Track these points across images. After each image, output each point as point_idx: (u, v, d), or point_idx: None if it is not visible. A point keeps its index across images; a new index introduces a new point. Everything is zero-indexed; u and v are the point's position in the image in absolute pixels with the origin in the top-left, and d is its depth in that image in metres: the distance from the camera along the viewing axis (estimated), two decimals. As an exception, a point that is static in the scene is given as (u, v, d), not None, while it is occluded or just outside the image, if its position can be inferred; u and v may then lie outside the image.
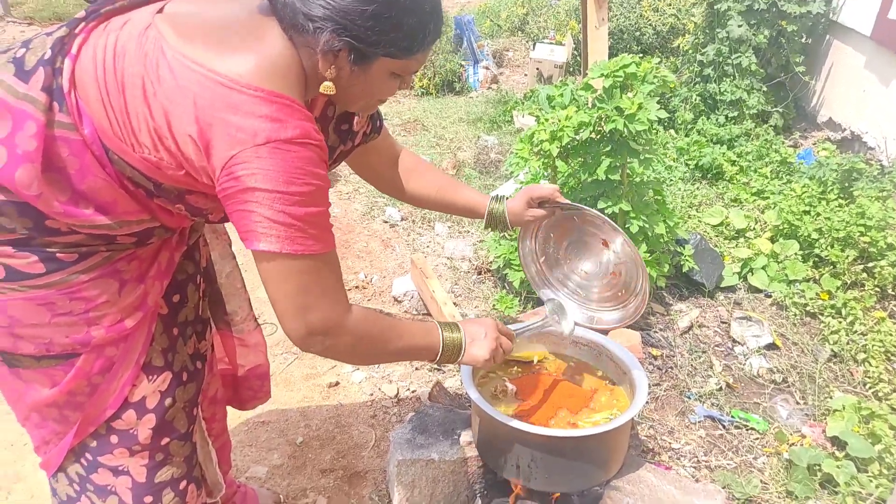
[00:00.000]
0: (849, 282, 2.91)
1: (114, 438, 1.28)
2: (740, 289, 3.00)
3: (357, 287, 2.97)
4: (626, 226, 2.50)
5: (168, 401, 1.30)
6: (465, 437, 1.87)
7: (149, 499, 1.33)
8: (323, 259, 1.12)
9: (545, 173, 2.69)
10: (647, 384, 1.70)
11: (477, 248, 3.23)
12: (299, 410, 2.29)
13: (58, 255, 1.12)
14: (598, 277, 1.84)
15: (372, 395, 2.39)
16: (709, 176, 3.89)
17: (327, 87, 1.12)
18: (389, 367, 2.53)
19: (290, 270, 1.09)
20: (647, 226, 2.51)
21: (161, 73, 1.03)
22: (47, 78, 1.05)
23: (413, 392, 2.40)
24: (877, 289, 2.85)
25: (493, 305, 2.68)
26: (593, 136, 2.50)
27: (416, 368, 2.52)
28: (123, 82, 1.05)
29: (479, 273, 3.06)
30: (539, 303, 2.70)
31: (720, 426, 2.28)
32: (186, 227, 1.33)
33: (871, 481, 1.98)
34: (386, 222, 3.51)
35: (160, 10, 1.13)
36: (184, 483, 1.38)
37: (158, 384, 1.28)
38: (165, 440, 1.32)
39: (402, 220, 3.55)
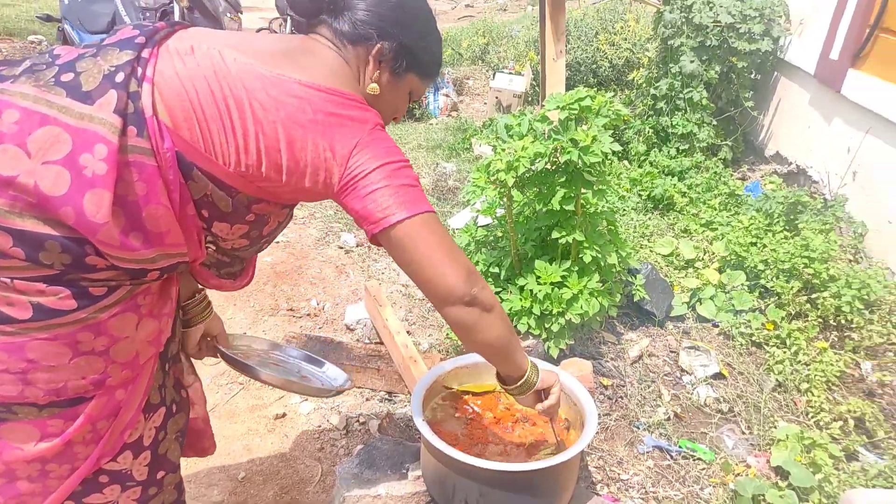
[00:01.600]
0: (793, 312, 2.99)
1: (104, 478, 1.24)
2: (689, 318, 3.05)
3: (309, 315, 2.93)
4: (580, 255, 2.53)
5: (161, 434, 1.29)
6: (415, 470, 1.84)
7: None
8: (437, 216, 1.26)
9: (501, 202, 2.71)
10: (595, 417, 1.70)
11: (432, 276, 3.22)
12: (243, 444, 2.23)
13: (90, 289, 1.10)
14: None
15: (319, 426, 2.34)
16: (660, 206, 3.98)
17: (374, 88, 1.28)
18: (338, 399, 2.48)
19: (430, 226, 1.21)
20: (599, 256, 2.54)
21: (270, 93, 1.12)
22: (121, 101, 1.05)
23: (362, 424, 2.36)
24: (819, 319, 2.93)
25: (447, 334, 2.67)
26: (549, 166, 2.53)
27: (367, 399, 2.48)
28: (226, 104, 1.11)
29: (434, 301, 3.05)
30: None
31: (668, 456, 2.29)
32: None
33: (812, 511, 2.01)
34: (341, 248, 3.48)
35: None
36: None
37: (154, 420, 1.28)
38: (161, 474, 1.32)
39: (358, 245, 3.52)
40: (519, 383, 1.49)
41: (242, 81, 1.12)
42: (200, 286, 1.51)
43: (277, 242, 3.46)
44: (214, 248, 1.28)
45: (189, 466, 2.11)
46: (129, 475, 1.27)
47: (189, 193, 1.13)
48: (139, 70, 1.08)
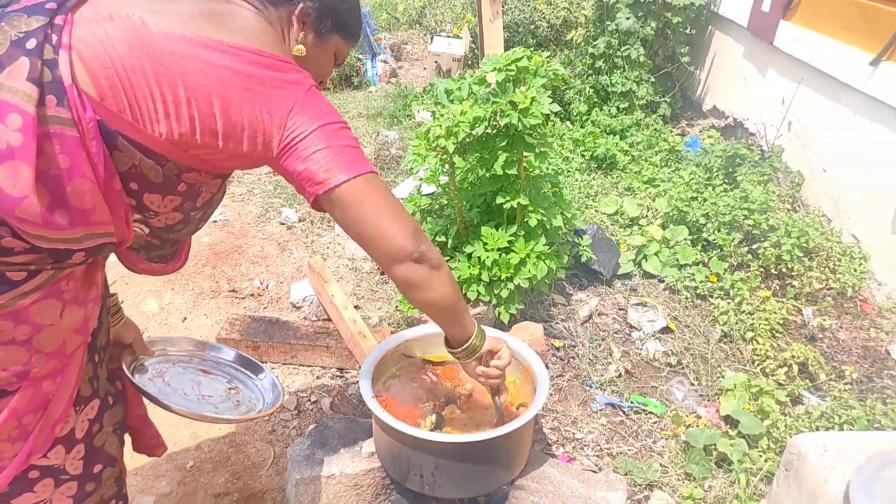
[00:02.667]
0: (735, 263, 3.05)
1: (34, 474, 1.18)
2: (636, 275, 3.08)
3: (252, 295, 2.83)
4: (526, 220, 2.50)
5: (96, 426, 1.24)
6: (368, 447, 1.80)
7: None
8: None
9: (443, 169, 2.65)
10: (547, 382, 1.69)
11: (378, 247, 3.15)
12: (189, 431, 2.15)
13: (7, 274, 1.05)
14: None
15: (270, 408, 2.28)
16: (603, 166, 3.99)
17: (300, 50, 1.26)
18: (289, 378, 2.41)
19: (373, 186, 1.20)
20: (545, 219, 2.52)
21: (199, 56, 1.07)
22: (35, 69, 0.97)
23: (314, 403, 2.30)
24: (761, 269, 3.00)
25: (396, 307, 2.62)
26: (489, 131, 2.47)
27: (317, 377, 2.42)
28: (153, 70, 1.05)
29: (382, 273, 2.99)
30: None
31: (620, 412, 2.32)
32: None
33: (760, 456, 2.06)
34: (283, 224, 3.37)
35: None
36: (113, 502, 1.34)
37: (87, 413, 1.22)
38: (98, 467, 1.27)
39: (300, 220, 3.42)
40: (464, 346, 1.46)
41: (168, 46, 1.06)
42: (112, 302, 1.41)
43: (215, 221, 3.33)
44: (145, 228, 1.21)
45: (134, 458, 2.01)
46: (63, 470, 1.21)
47: (115, 166, 1.07)
48: (53, 37, 1.00)
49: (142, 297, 2.77)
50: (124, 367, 1.39)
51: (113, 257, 1.26)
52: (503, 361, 1.54)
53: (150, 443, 1.58)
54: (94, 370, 1.24)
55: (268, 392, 1.60)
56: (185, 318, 2.69)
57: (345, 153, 1.17)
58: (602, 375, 2.47)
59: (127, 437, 1.50)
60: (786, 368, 2.48)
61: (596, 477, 1.76)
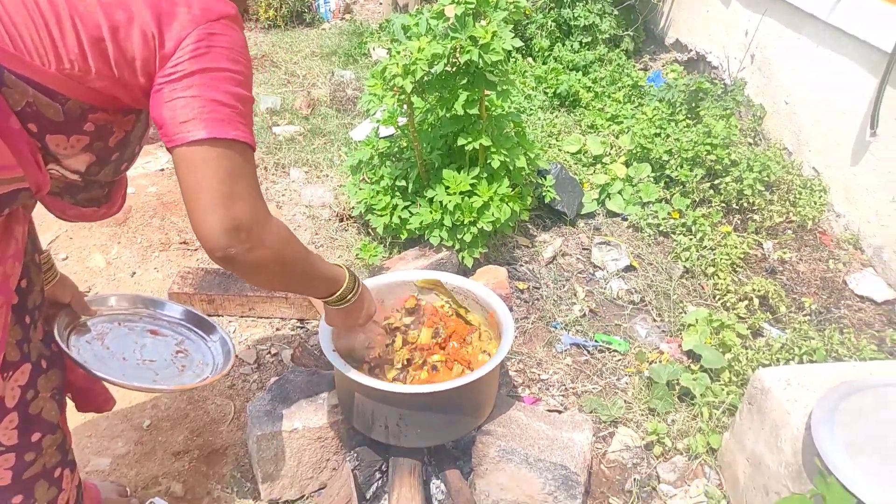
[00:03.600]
0: (697, 200, 3.04)
1: None
2: (599, 214, 3.06)
3: (206, 246, 2.71)
4: (488, 161, 2.42)
5: (30, 393, 1.16)
6: (331, 400, 1.76)
7: (18, 498, 1.20)
8: (250, 153, 1.08)
9: (402, 110, 2.54)
10: (512, 329, 1.65)
11: (337, 194, 3.05)
12: (145, 390, 2.07)
13: None
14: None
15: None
16: (566, 103, 3.90)
17: None
18: (248, 331, 2.34)
19: (222, 157, 1.03)
20: (508, 160, 2.44)
21: None
22: None
23: (274, 355, 2.24)
24: (723, 204, 3.00)
25: (357, 255, 2.54)
26: (449, 68, 2.36)
27: (277, 329, 2.35)
28: None
29: (341, 220, 2.90)
30: (404, 249, 2.60)
31: (585, 352, 2.32)
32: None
33: (722, 389, 2.09)
34: (236, 171, 3.22)
35: None
36: (58, 470, 1.27)
37: (17, 379, 1.14)
38: (37, 436, 1.19)
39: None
40: (333, 299, 1.38)
41: None
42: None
43: (162, 170, 3.16)
44: (62, 171, 1.10)
45: (86, 418, 1.95)
46: None
47: (7, 104, 0.96)
48: None
49: (87, 252, 2.63)
50: (55, 330, 1.29)
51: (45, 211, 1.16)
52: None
53: (96, 400, 1.51)
54: (23, 333, 1.15)
55: (219, 355, 1.51)
56: (134, 273, 2.57)
57: (210, 108, 1.01)
58: (566, 316, 2.46)
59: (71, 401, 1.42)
60: (746, 302, 2.50)
61: (562, 418, 1.76)
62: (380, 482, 1.77)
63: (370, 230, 2.73)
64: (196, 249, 2.71)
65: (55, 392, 1.23)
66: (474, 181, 2.44)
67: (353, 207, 2.80)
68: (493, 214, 2.42)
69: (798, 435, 1.52)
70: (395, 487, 1.61)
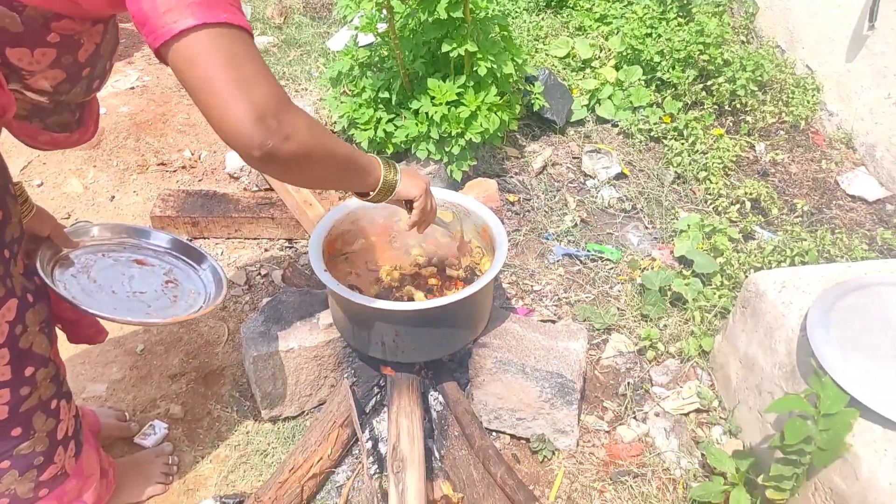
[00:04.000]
0: (689, 102, 2.96)
1: None
2: (589, 121, 2.98)
3: (184, 167, 2.62)
4: (474, 68, 2.32)
5: (19, 328, 1.13)
6: (325, 319, 1.74)
7: (17, 431, 1.19)
8: (249, 38, 0.95)
9: (381, 15, 2.39)
10: (505, 243, 1.62)
11: (318, 108, 2.93)
12: (136, 316, 2.05)
13: None
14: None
15: (219, 285, 2.18)
16: (553, 4, 3.72)
17: None
18: (235, 253, 2.30)
19: (220, 43, 0.90)
20: (495, 66, 2.33)
21: None
22: None
23: (265, 276, 2.21)
24: (715, 106, 2.93)
25: (341, 170, 2.46)
26: (428, -34, 2.21)
27: (265, 250, 2.31)
28: None
29: (323, 135, 2.80)
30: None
31: (577, 262, 2.31)
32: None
33: (714, 293, 2.10)
34: (210, 87, 3.08)
35: None
36: (55, 402, 1.25)
37: (4, 315, 1.10)
38: (30, 370, 1.17)
39: (229, 82, 3.13)
40: (374, 194, 1.29)
41: None
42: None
43: (133, 88, 3.01)
44: (29, 93, 1.02)
45: (78, 347, 1.93)
46: None
47: None
48: None
49: (63, 177, 2.54)
50: (38, 266, 1.24)
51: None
52: (418, 212, 1.39)
53: (88, 332, 1.48)
54: (3, 268, 1.10)
55: (210, 284, 1.46)
56: (114, 197, 2.49)
57: None
58: (558, 227, 2.43)
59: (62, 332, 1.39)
60: (738, 205, 2.48)
61: (557, 328, 1.76)
62: (378, 396, 1.79)
63: (354, 144, 2.65)
64: (175, 171, 2.62)
65: (43, 325, 1.20)
66: (461, 90, 2.35)
67: (335, 122, 2.70)
68: (481, 125, 2.34)
69: (793, 336, 1.53)
70: (395, 401, 1.63)
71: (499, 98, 2.40)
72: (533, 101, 2.76)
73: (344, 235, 1.75)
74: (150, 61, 3.25)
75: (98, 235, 1.47)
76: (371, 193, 1.29)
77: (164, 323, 1.48)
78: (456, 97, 2.33)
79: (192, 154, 2.69)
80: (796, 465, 1.37)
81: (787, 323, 1.56)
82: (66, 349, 1.89)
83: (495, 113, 2.38)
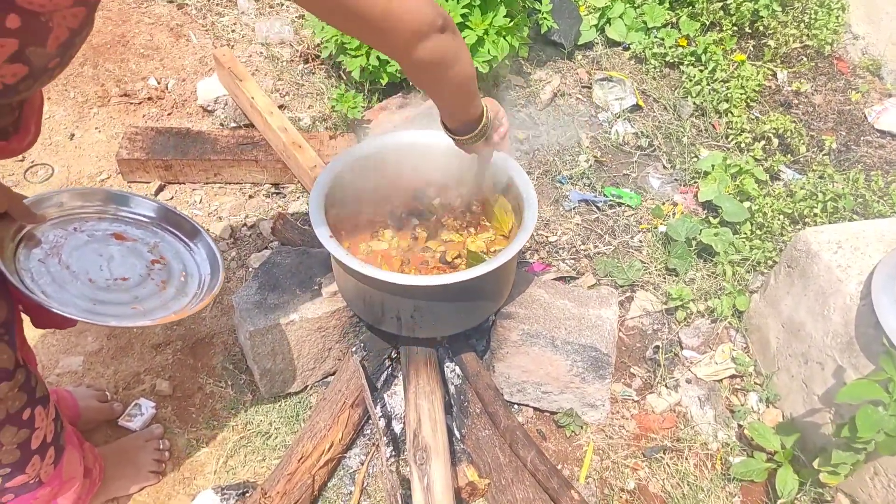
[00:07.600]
0: (707, 23, 2.70)
1: None
2: (598, 44, 2.71)
3: (150, 98, 2.31)
4: (479, -15, 2.03)
5: None
6: (329, 286, 1.55)
7: None
8: None
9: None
10: (535, 200, 1.42)
11: (297, 28, 2.61)
12: (109, 279, 1.82)
13: None
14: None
15: (201, 240, 1.95)
16: None
17: None
18: (216, 200, 2.06)
19: None
20: (503, -18, 2.05)
21: None
22: None
23: (251, 228, 1.98)
24: (734, 28, 2.68)
25: (333, 106, 2.19)
26: None
27: (250, 197, 2.07)
28: None
29: (307, 61, 2.49)
30: (385, 96, 2.26)
31: (595, 208, 2.13)
32: None
33: (745, 244, 1.95)
34: (171, 2, 2.71)
35: None
36: (27, 411, 1.09)
37: None
38: None
39: (193, -4, 2.75)
40: (480, 126, 1.20)
41: None
42: None
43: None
44: None
45: (46, 318, 1.71)
46: None
47: None
48: None
49: (9, 113, 2.22)
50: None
51: None
52: (505, 126, 1.28)
53: (56, 318, 1.26)
54: None
55: (204, 263, 1.23)
56: (73, 136, 2.19)
57: None
58: (572, 169, 2.22)
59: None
60: (763, 142, 2.30)
61: (587, 294, 1.60)
62: (390, 370, 1.63)
63: (343, 74, 2.36)
64: (139, 103, 2.31)
65: (2, 332, 0.98)
66: (466, 10, 2.07)
67: (319, 45, 2.39)
68: (489, 52, 2.08)
69: (851, 305, 1.39)
70: (412, 379, 1.46)
71: (508, 20, 2.13)
72: (541, 22, 2.47)
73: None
74: (100, -30, 2.84)
75: (68, 204, 1.21)
76: (466, 135, 1.20)
77: (154, 324, 1.26)
78: (461, 19, 2.05)
79: (159, 83, 2.37)
80: (859, 451, 1.26)
81: (845, 289, 1.41)
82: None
83: (504, 38, 2.11)
